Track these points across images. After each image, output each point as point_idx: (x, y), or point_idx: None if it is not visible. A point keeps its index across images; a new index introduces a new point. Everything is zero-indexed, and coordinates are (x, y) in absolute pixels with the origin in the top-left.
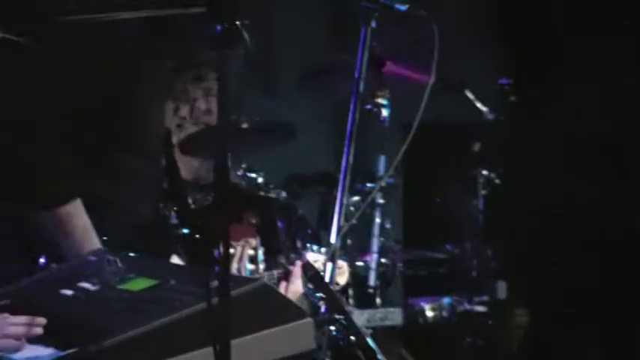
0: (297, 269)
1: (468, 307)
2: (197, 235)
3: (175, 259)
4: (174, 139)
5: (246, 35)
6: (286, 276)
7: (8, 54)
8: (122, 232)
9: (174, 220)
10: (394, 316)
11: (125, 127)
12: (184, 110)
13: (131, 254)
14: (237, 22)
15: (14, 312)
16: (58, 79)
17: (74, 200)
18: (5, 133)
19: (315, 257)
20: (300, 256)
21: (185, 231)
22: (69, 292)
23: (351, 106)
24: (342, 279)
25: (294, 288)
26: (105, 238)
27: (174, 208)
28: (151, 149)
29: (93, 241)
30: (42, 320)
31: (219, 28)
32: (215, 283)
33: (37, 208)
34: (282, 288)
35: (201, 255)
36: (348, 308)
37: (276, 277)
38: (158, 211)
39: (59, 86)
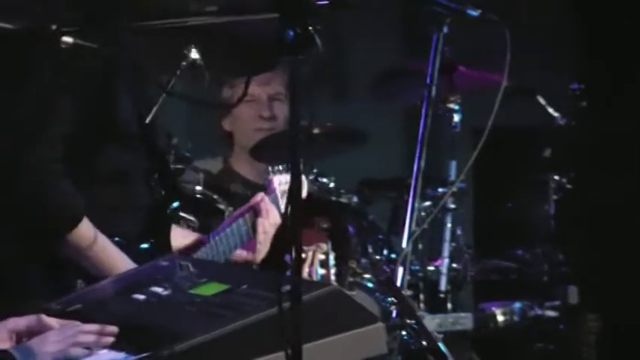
0: (262, 201)
1: (539, 312)
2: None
3: (177, 231)
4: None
5: (318, 41)
6: (255, 213)
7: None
8: (130, 229)
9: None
10: (465, 320)
11: (116, 124)
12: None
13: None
14: (310, 28)
15: (86, 316)
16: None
17: (81, 221)
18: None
19: (280, 179)
20: (269, 184)
21: (175, 205)
22: (141, 297)
23: (423, 112)
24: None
25: (273, 219)
26: (117, 239)
27: (155, 184)
28: (135, 139)
29: (112, 253)
30: (113, 329)
31: (291, 33)
32: (287, 288)
33: (48, 236)
34: (259, 227)
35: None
36: (419, 313)
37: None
38: (153, 197)
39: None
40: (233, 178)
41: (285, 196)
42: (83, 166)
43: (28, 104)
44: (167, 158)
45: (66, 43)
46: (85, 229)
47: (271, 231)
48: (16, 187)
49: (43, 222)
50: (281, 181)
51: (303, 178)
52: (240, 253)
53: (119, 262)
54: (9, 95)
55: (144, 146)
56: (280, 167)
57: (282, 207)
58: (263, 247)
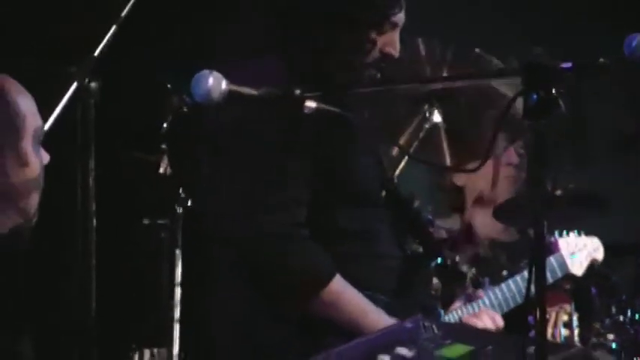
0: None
1: None
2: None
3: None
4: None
5: (562, 104)
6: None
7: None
8: (379, 283)
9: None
10: None
11: (357, 183)
12: None
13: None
14: (554, 91)
15: None
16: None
17: (329, 280)
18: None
19: (568, 241)
20: (554, 245)
21: (439, 261)
22: (386, 358)
23: None
24: (599, 254)
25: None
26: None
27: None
28: (378, 196)
29: (365, 306)
30: None
31: (534, 97)
32: (532, 350)
33: (298, 297)
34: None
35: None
36: None
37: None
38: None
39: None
40: (473, 235)
41: (577, 257)
42: (326, 224)
43: (262, 168)
44: (418, 212)
45: (309, 107)
46: (337, 287)
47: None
48: (258, 255)
49: (290, 286)
50: (569, 243)
51: (598, 241)
52: None
53: (376, 320)
54: (243, 158)
55: (391, 202)
56: (568, 233)
57: (570, 267)
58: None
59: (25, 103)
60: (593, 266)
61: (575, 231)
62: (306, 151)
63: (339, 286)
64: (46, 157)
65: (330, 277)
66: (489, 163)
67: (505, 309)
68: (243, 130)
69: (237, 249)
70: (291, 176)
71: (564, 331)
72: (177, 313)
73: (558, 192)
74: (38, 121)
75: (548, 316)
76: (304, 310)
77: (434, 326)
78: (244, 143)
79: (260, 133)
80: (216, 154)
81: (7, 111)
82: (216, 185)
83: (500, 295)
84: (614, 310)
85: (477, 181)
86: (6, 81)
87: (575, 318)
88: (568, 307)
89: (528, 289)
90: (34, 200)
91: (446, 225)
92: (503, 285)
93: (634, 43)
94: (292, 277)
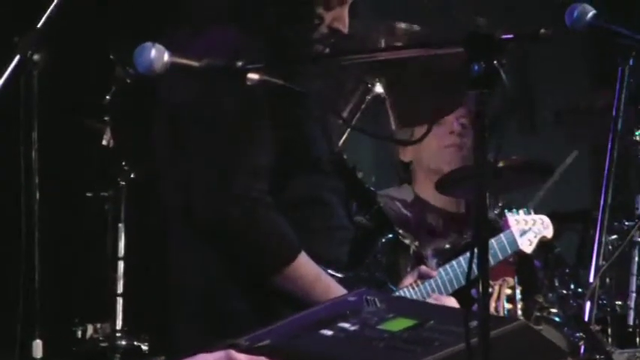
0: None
1: None
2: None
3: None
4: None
5: (503, 74)
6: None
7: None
8: (329, 251)
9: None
10: None
11: (306, 153)
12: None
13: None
14: (495, 62)
15: (274, 353)
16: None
17: (298, 255)
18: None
19: (517, 218)
20: (504, 222)
21: (390, 236)
22: (328, 332)
23: (609, 144)
24: (549, 232)
25: None
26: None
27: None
28: (327, 165)
29: (331, 287)
30: None
31: (476, 67)
32: (474, 323)
33: (265, 269)
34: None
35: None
36: (608, 348)
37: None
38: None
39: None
40: (425, 207)
41: (527, 235)
42: (279, 193)
43: (226, 136)
44: (362, 183)
45: (251, 79)
46: (304, 262)
47: None
48: (229, 218)
49: (258, 255)
50: (518, 220)
51: (547, 219)
52: None
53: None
54: (206, 128)
55: (337, 173)
56: (516, 210)
57: (520, 245)
58: None
59: None
60: (542, 244)
61: (525, 208)
62: (265, 119)
63: (303, 262)
64: None
65: (296, 254)
66: (432, 137)
67: (456, 286)
68: (204, 101)
69: (202, 216)
70: (256, 143)
71: (507, 305)
72: (120, 287)
73: (501, 162)
74: None
75: (491, 290)
76: (266, 281)
77: (377, 300)
78: (207, 112)
79: (222, 103)
80: (177, 126)
81: None
82: (180, 156)
83: (451, 273)
84: (557, 283)
85: (421, 153)
86: None
87: (518, 292)
88: (511, 281)
89: (471, 262)
90: None
91: (400, 195)
92: (454, 262)
93: (575, 14)
94: (259, 246)
